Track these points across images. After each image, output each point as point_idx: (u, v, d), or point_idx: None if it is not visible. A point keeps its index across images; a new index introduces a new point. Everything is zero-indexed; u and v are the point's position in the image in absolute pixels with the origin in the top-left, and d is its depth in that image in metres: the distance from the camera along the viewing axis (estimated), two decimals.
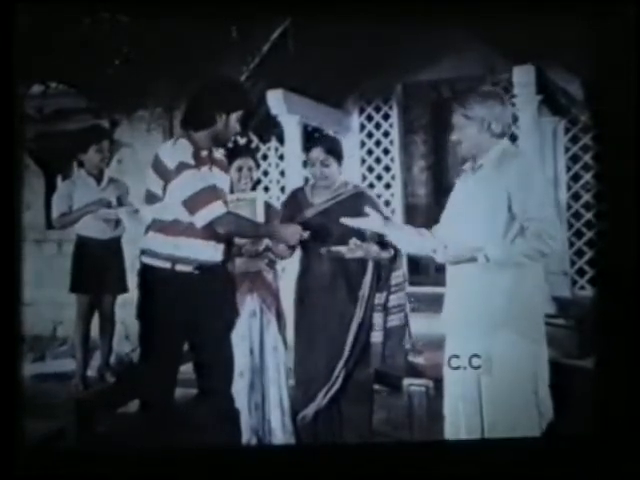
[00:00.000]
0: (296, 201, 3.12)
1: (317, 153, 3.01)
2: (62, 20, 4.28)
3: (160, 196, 2.57)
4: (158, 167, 2.56)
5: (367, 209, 2.74)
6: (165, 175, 2.54)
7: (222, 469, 2.45)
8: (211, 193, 2.54)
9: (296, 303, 3.13)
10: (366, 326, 3.01)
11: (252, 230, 2.84)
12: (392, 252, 3.00)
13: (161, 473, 2.42)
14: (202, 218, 2.52)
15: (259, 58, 4.96)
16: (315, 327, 3.02)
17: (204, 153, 2.62)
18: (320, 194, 3.08)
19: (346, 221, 2.73)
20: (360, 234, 2.89)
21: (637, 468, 2.30)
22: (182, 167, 2.51)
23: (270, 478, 2.46)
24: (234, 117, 2.63)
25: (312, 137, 3.14)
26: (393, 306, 3.05)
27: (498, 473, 2.39)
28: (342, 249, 2.90)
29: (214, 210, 2.52)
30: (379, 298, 3.03)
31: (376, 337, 3.02)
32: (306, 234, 2.73)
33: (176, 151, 2.55)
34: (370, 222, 2.72)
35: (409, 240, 2.76)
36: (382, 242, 2.96)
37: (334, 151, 3.03)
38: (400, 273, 3.07)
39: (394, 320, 3.04)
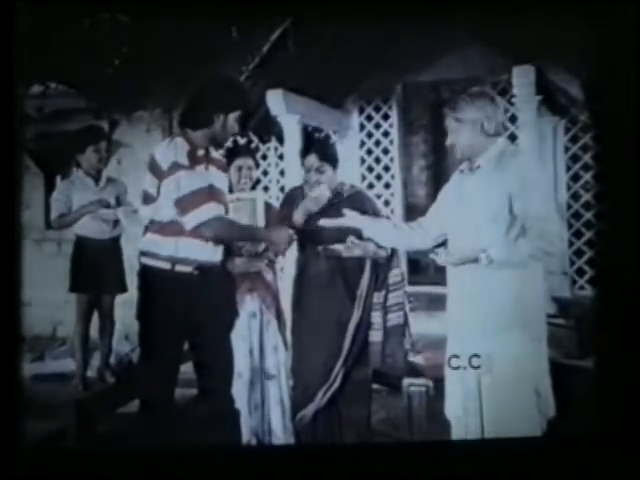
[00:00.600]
0: (294, 200, 3.12)
1: (312, 160, 3.01)
2: (62, 20, 4.27)
3: (155, 196, 2.57)
4: (153, 167, 2.56)
5: (345, 210, 2.75)
6: (159, 175, 2.54)
7: (222, 469, 2.45)
8: (203, 195, 2.53)
9: (293, 303, 3.14)
10: (364, 325, 3.01)
11: (242, 234, 2.83)
12: (389, 250, 3.00)
13: (161, 473, 2.42)
14: (191, 220, 2.51)
15: (259, 58, 4.95)
16: (313, 327, 3.02)
17: (200, 152, 2.61)
18: None
19: (325, 222, 2.76)
20: (357, 233, 2.90)
21: (637, 468, 2.30)
22: (175, 167, 2.51)
23: (270, 478, 2.46)
24: (232, 117, 2.62)
25: (306, 144, 3.13)
26: (392, 305, 3.05)
27: (498, 473, 2.39)
28: (339, 247, 2.91)
29: (204, 213, 2.51)
30: (378, 297, 3.03)
31: (375, 336, 3.02)
32: (308, 222, 2.73)
33: (171, 151, 2.55)
34: (347, 220, 2.75)
35: (385, 234, 2.78)
36: None
37: (328, 157, 3.03)
38: (398, 272, 3.07)
39: (393, 319, 3.04)
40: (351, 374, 3.00)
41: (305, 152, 3.06)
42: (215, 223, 2.54)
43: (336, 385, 2.97)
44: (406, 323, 3.07)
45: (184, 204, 2.51)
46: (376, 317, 3.03)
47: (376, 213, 3.07)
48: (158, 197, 2.56)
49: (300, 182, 3.29)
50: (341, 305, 3.01)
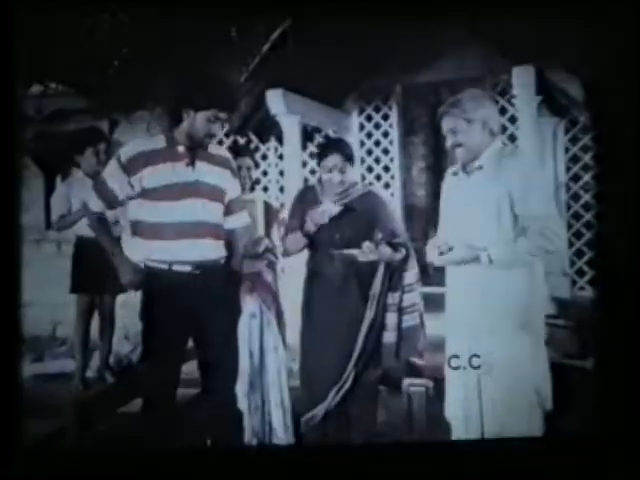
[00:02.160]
0: (306, 200, 3.10)
1: (335, 160, 2.97)
2: (62, 20, 4.27)
3: None
4: None
5: None
6: None
7: (223, 469, 2.45)
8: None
9: (304, 304, 3.10)
10: (377, 326, 2.99)
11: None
12: (404, 252, 2.99)
13: (161, 473, 2.42)
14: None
15: (259, 58, 4.95)
16: (325, 328, 2.99)
17: (181, 149, 2.61)
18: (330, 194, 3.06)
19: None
20: (372, 236, 2.89)
21: (637, 468, 2.30)
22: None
23: (270, 478, 2.46)
24: (201, 116, 2.56)
25: (328, 144, 3.11)
26: (407, 306, 3.02)
27: (498, 473, 2.39)
28: (355, 252, 2.89)
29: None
30: (393, 298, 3.01)
31: (389, 337, 3.00)
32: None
33: (132, 146, 2.65)
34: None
35: None
36: (393, 244, 2.96)
37: (350, 157, 3.02)
38: (412, 273, 3.05)
39: (409, 320, 3.02)
40: (362, 375, 2.97)
41: (327, 152, 3.01)
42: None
43: (347, 385, 2.95)
44: (422, 324, 3.06)
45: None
46: (391, 318, 3.01)
47: (387, 213, 3.06)
48: None
49: (300, 183, 3.27)
50: (354, 306, 2.98)
